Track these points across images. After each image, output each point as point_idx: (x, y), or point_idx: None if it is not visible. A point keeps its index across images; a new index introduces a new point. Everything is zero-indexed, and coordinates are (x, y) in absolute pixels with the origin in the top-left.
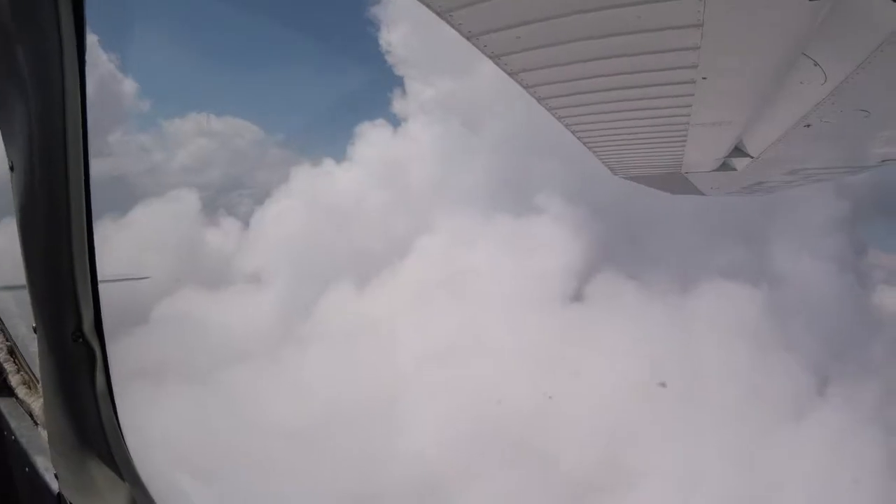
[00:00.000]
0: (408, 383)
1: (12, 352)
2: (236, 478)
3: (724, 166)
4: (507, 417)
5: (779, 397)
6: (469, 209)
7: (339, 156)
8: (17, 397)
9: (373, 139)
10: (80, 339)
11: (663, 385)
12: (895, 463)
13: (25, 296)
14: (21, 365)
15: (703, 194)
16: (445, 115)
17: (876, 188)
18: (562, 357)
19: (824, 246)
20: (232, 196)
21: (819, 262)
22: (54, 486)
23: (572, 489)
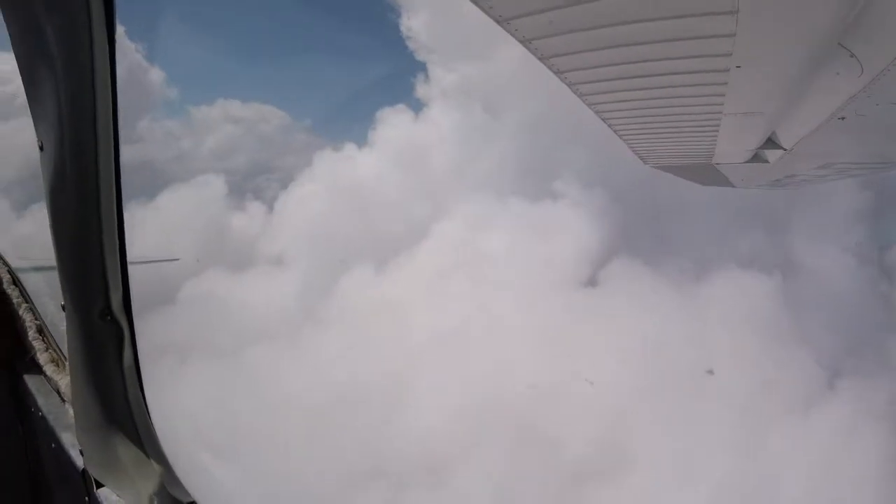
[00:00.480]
0: (420, 364)
1: (41, 330)
2: (251, 452)
3: (756, 158)
4: (515, 399)
5: (788, 389)
6: (487, 194)
7: (361, 141)
8: (45, 375)
9: (394, 124)
10: (109, 318)
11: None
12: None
13: (54, 276)
14: (49, 343)
15: (733, 186)
16: (466, 101)
17: None
18: (571, 341)
19: (846, 238)
20: (257, 181)
21: (840, 255)
22: (79, 462)
23: (573, 471)
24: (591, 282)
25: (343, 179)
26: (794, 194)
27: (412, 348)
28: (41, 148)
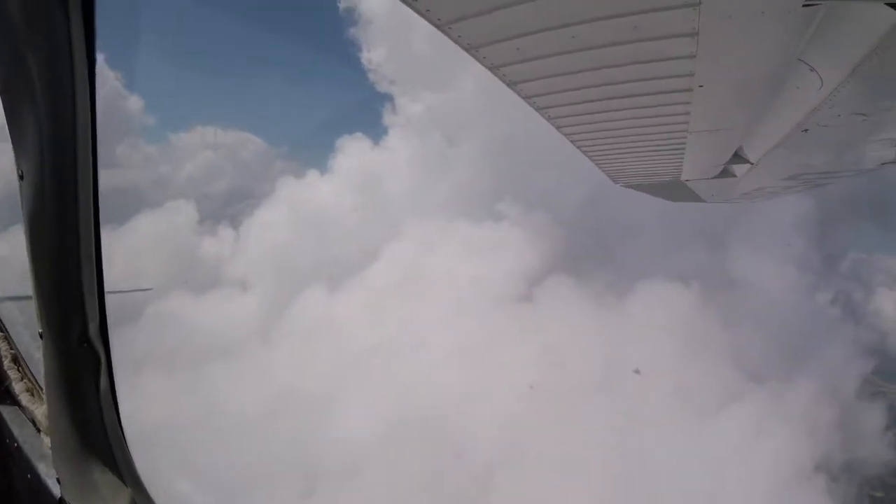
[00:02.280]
0: (358, 375)
1: (16, 360)
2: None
3: (724, 173)
4: (434, 406)
5: (701, 393)
6: (437, 217)
7: (323, 168)
8: (20, 405)
9: (354, 152)
10: (87, 344)
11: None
12: (797, 463)
13: (29, 305)
14: (25, 373)
15: (703, 201)
16: (426, 129)
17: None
18: (496, 352)
19: (788, 248)
20: (226, 206)
21: (777, 265)
22: (56, 491)
23: (476, 469)
24: (527, 297)
25: (305, 205)
26: (744, 207)
27: (353, 362)
28: (21, 177)
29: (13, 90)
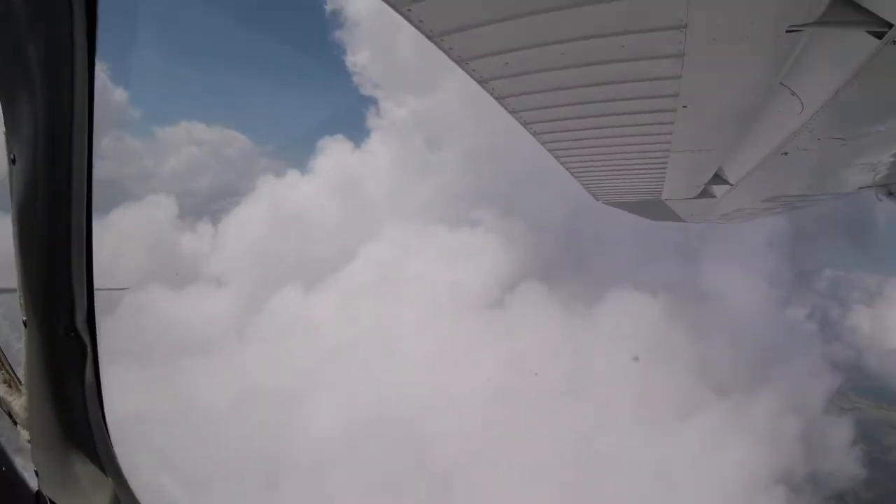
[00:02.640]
0: (326, 375)
1: None
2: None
3: (704, 193)
4: (400, 407)
5: (664, 405)
6: (414, 220)
7: (305, 168)
8: None
9: (335, 154)
10: (73, 334)
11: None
12: (760, 473)
13: (5, 298)
14: (3, 364)
15: (683, 221)
16: (408, 134)
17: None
18: (464, 356)
19: (758, 263)
20: (208, 202)
21: (751, 279)
22: (33, 483)
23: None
24: (498, 304)
25: (285, 204)
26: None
27: (324, 360)
28: (13, 161)
29: (10, 74)
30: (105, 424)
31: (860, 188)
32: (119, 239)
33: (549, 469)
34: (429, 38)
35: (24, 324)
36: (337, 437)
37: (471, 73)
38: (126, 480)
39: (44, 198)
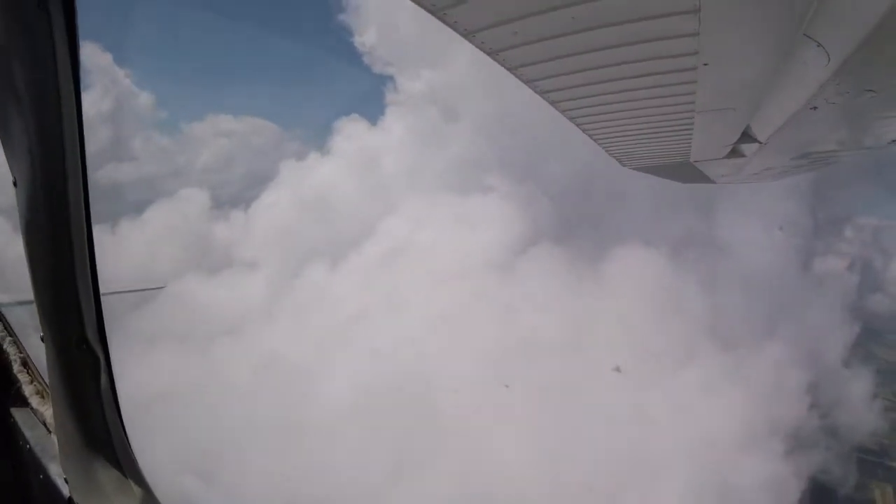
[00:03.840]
0: (345, 345)
1: (25, 363)
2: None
3: (734, 153)
4: (409, 370)
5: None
6: (429, 191)
7: (323, 148)
8: (31, 407)
9: (352, 133)
10: (85, 346)
11: (618, 369)
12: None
13: (35, 310)
14: (34, 375)
15: (713, 182)
16: (425, 108)
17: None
18: (473, 319)
19: (773, 216)
20: (241, 191)
21: (760, 233)
22: (66, 491)
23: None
24: (509, 267)
25: (308, 186)
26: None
27: (342, 331)
28: (15, 183)
29: (1, 100)
30: (125, 431)
31: (893, 141)
32: (156, 234)
33: (554, 418)
34: (432, 13)
35: (42, 338)
36: (350, 399)
37: (480, 46)
38: (148, 485)
39: (45, 215)
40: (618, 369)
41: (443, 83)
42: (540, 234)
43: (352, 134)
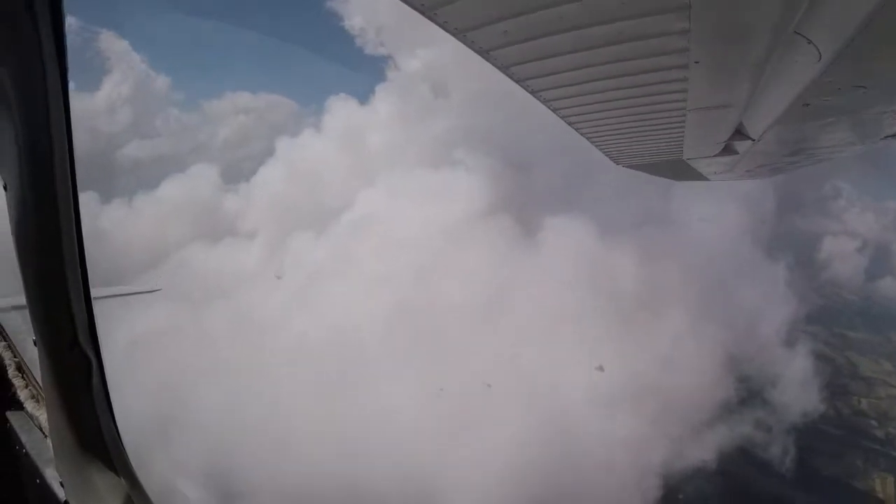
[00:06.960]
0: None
1: (20, 367)
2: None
3: (726, 150)
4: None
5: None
6: (409, 166)
7: (318, 125)
8: (26, 411)
9: (344, 112)
10: (77, 349)
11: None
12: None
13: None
14: (29, 380)
15: (707, 180)
16: (414, 86)
17: None
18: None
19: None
20: (256, 166)
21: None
22: (62, 494)
23: None
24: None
25: (301, 161)
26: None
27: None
28: (5, 188)
29: None
30: (117, 432)
31: (886, 136)
32: (170, 206)
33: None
34: (420, 12)
35: (34, 342)
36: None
37: (470, 45)
38: (141, 485)
39: (34, 220)
40: (601, 368)
41: (439, 60)
42: (496, 207)
43: (342, 113)
